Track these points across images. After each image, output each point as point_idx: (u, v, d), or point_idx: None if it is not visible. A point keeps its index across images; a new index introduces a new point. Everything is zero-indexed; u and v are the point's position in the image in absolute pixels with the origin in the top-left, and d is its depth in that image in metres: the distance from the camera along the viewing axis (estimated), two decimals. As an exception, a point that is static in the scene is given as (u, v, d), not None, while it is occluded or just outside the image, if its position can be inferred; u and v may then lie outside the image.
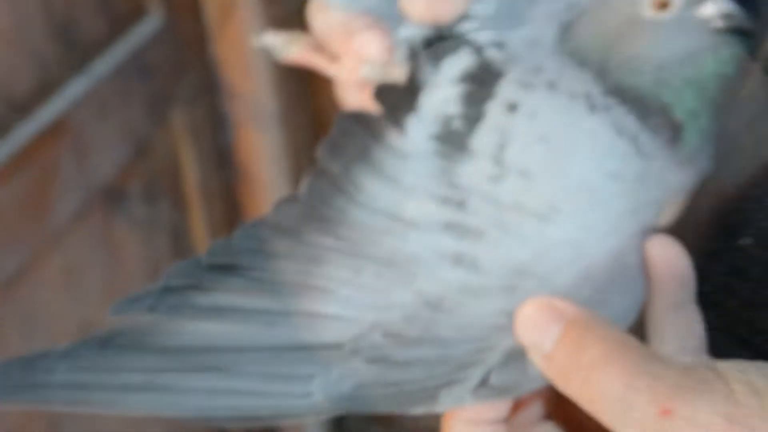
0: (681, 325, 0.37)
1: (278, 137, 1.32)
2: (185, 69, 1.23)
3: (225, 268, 0.39)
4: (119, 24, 1.12)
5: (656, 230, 0.43)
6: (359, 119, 0.41)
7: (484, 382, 0.37)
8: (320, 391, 0.38)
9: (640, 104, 0.40)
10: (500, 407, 0.38)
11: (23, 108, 0.95)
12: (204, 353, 0.39)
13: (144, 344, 0.39)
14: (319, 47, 0.45)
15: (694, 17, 0.40)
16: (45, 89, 0.98)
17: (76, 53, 1.04)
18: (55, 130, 0.98)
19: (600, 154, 0.39)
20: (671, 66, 0.40)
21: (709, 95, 0.40)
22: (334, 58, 0.44)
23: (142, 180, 1.14)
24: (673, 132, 0.40)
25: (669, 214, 0.43)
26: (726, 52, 0.40)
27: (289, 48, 0.45)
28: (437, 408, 0.38)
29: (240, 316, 0.39)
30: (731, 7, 0.40)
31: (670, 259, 0.38)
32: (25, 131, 0.94)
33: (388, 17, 0.43)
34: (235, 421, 0.39)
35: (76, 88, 1.02)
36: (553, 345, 0.35)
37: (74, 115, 1.01)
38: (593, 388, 0.33)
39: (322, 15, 0.43)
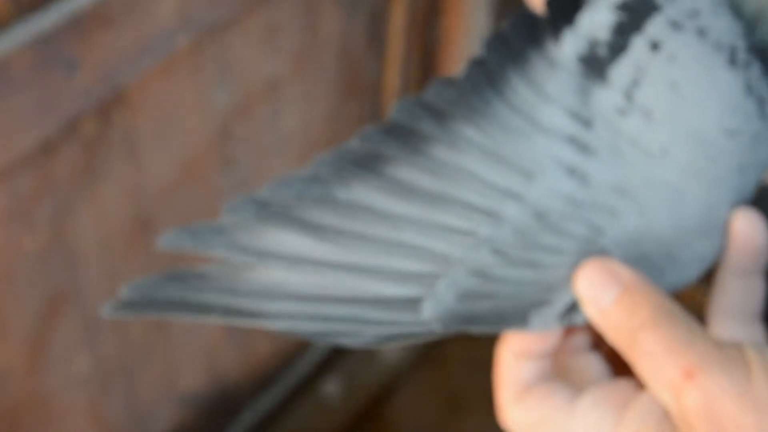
0: (742, 292, 0.41)
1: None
2: None
3: (369, 161, 0.41)
4: None
5: (761, 187, 0.46)
6: (529, 21, 0.43)
7: (570, 310, 0.40)
8: (429, 306, 0.40)
9: None
10: (549, 341, 0.42)
11: None
12: (349, 242, 0.41)
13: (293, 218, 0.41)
14: None
15: None
16: None
17: None
18: None
19: (724, 110, 0.41)
20: None
21: None
22: None
23: (355, -39, 1.19)
24: None
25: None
26: None
27: None
28: (528, 328, 0.40)
29: (372, 216, 0.41)
30: None
31: (749, 230, 0.40)
32: None
33: None
34: (356, 339, 0.40)
35: None
36: (610, 305, 0.39)
37: None
38: (638, 344, 0.37)
39: None
